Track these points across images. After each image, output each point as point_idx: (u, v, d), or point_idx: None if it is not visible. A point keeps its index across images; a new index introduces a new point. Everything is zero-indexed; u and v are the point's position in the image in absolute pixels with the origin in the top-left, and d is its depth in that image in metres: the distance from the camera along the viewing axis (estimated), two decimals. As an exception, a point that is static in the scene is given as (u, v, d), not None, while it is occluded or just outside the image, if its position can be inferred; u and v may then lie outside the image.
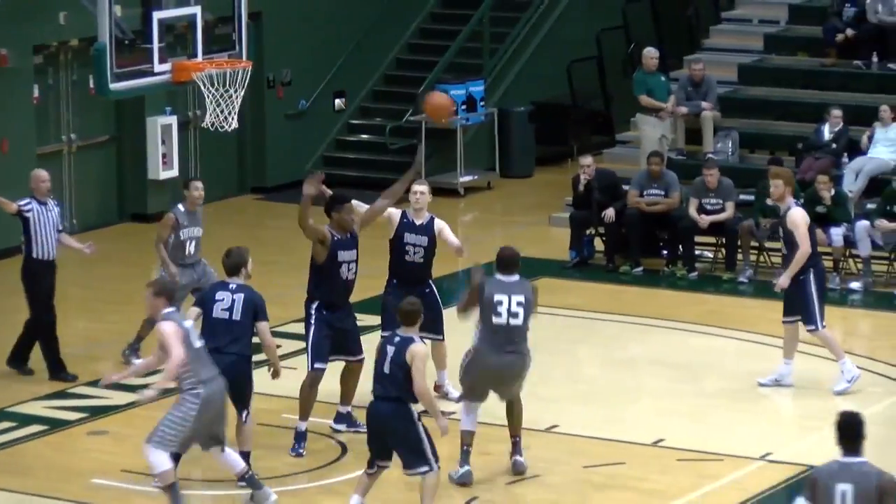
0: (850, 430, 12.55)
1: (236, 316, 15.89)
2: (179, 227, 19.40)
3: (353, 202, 17.55)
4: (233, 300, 15.89)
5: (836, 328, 20.88)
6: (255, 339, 16.15)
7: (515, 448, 16.54)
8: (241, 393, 16.01)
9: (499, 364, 16.17)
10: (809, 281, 18.62)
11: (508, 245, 16.48)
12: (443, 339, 18.26)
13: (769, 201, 19.72)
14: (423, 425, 14.95)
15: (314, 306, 17.27)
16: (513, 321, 16.09)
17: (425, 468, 14.96)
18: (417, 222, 18.15)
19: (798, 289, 18.60)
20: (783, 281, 18.53)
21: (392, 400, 14.94)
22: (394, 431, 15.04)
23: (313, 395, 17.28)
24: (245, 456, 16.00)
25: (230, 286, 16.00)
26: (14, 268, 19.93)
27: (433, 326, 17.76)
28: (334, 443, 17.70)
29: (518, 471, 16.53)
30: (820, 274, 18.92)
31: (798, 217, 18.58)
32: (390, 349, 15.00)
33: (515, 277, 16.24)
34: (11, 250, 20.47)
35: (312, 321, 17.25)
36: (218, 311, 15.89)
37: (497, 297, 16.03)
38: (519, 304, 16.07)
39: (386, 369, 14.99)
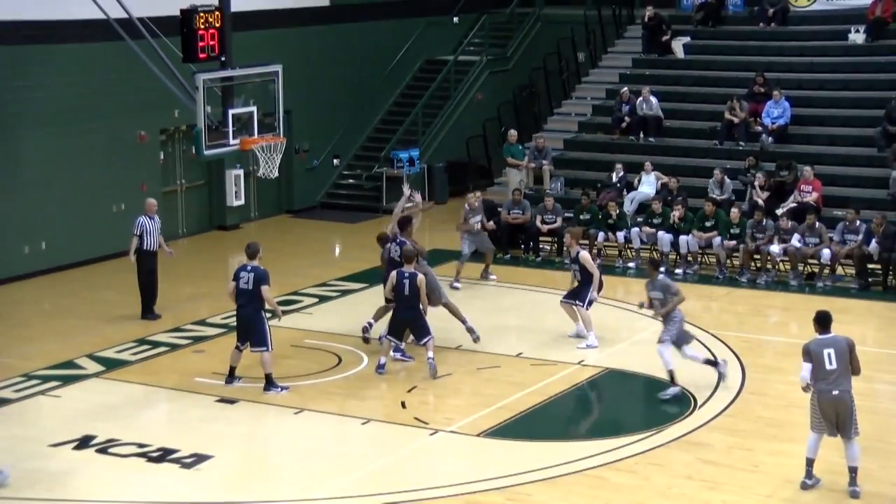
0: (824, 320, 12.48)
1: (250, 286, 15.63)
2: (471, 213, 21.17)
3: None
4: (249, 277, 15.66)
5: (621, 290, 20.78)
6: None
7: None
8: (258, 334, 15.72)
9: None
10: (588, 290, 17.65)
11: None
12: None
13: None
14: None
15: None
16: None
17: (428, 337, 16.32)
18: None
19: (582, 290, 17.68)
20: (596, 294, 17.69)
21: (412, 308, 16.26)
22: (414, 325, 16.36)
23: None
24: (269, 376, 15.82)
25: (248, 268, 15.76)
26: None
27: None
28: (333, 355, 17.43)
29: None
30: (598, 284, 17.91)
31: (587, 256, 17.97)
32: (406, 281, 16.18)
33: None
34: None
35: None
36: (241, 284, 15.67)
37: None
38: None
39: (407, 292, 16.17)
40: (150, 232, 19.07)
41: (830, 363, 12.30)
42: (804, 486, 12.78)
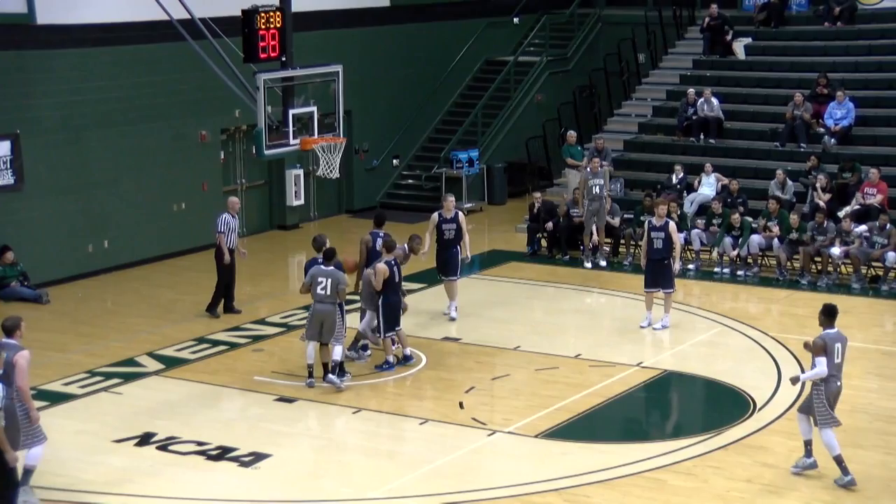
0: (834, 313, 12.91)
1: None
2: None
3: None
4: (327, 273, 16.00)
5: (680, 291, 20.71)
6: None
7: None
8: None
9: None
10: (669, 271, 18.37)
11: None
12: (456, 279, 18.98)
13: (654, 220, 19.08)
14: None
15: None
16: (398, 279, 16.55)
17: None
18: (448, 216, 18.69)
19: (668, 269, 18.30)
20: (677, 266, 18.43)
21: (399, 293, 16.59)
22: (399, 311, 16.59)
23: None
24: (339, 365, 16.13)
25: (318, 260, 16.07)
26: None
27: (451, 271, 18.72)
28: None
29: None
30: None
31: (675, 227, 18.62)
32: (395, 269, 16.41)
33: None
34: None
35: None
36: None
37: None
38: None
39: (397, 279, 16.43)
40: (233, 229, 19.28)
41: (838, 357, 12.81)
42: (847, 484, 12.75)
